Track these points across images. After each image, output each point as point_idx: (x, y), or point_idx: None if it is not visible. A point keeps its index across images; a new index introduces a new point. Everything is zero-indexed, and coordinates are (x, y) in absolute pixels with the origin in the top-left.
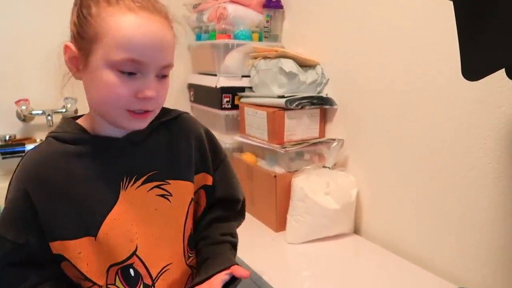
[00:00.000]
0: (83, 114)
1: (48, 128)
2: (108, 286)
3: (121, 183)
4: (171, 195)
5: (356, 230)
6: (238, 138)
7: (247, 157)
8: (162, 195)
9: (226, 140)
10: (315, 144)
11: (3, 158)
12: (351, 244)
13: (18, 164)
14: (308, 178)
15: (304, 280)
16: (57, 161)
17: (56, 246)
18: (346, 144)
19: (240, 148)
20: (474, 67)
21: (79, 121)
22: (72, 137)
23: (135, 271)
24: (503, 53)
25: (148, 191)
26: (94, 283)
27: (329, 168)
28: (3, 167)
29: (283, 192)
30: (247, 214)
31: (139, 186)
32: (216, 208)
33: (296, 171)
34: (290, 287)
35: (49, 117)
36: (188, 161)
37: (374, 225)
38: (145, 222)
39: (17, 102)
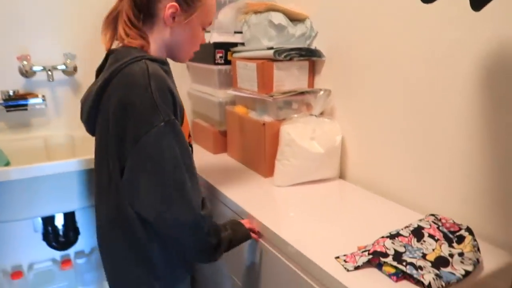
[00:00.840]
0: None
1: (49, 83)
2: None
3: None
4: None
5: (342, 176)
6: (231, 92)
7: (239, 109)
8: None
9: (219, 94)
10: (302, 93)
11: (7, 111)
12: (336, 187)
13: (148, 78)
14: (295, 125)
15: (291, 220)
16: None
17: None
18: (333, 95)
19: (233, 102)
20: None
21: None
22: (161, 60)
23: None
24: None
25: None
26: None
27: (315, 116)
28: (7, 120)
29: (271, 140)
30: (238, 164)
31: None
32: None
33: (284, 119)
34: (278, 226)
35: (49, 73)
36: None
37: (358, 171)
38: None
39: (18, 58)
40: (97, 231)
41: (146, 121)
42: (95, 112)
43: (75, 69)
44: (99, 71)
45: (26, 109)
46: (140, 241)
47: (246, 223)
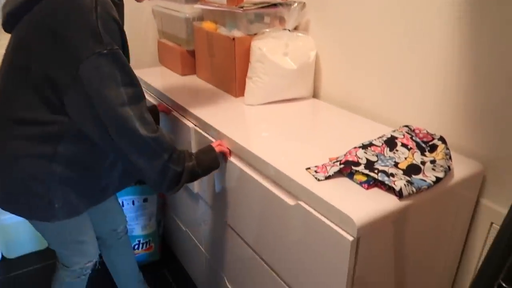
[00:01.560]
0: None
1: None
2: None
3: None
4: None
5: (315, 95)
6: (198, 6)
7: (207, 25)
8: None
9: (186, 9)
10: (275, 5)
11: None
12: (310, 105)
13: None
14: (267, 40)
15: (263, 138)
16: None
17: None
18: (308, 8)
19: (201, 18)
20: None
21: None
22: None
23: None
24: None
25: None
26: None
27: (288, 30)
28: None
29: (242, 56)
30: (208, 85)
31: None
32: None
33: (255, 34)
34: (249, 143)
35: None
36: None
37: (332, 88)
38: None
39: None
40: None
41: (87, 46)
42: (23, 12)
43: None
44: None
45: None
46: (47, 156)
47: (216, 145)
